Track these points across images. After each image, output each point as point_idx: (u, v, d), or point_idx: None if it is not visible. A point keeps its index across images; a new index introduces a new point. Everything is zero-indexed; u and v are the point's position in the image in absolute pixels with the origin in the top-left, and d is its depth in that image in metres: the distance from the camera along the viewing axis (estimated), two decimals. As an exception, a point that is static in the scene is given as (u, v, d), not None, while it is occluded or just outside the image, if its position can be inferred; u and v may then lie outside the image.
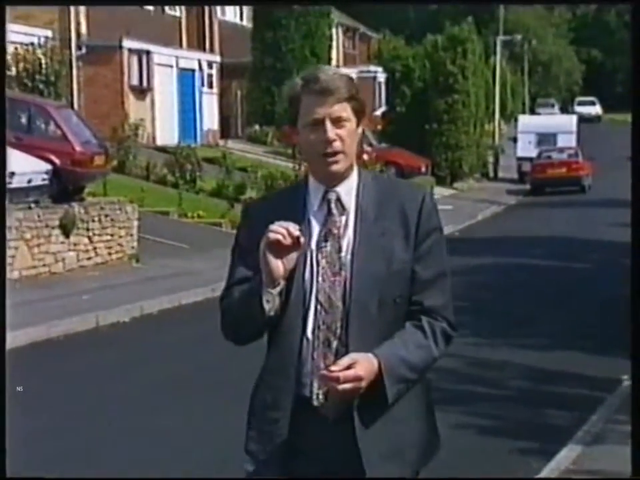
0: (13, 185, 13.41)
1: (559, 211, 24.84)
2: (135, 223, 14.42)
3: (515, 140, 36.09)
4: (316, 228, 2.42)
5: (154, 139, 25.59)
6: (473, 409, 6.80)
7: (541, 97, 63.96)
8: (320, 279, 2.38)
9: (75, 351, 9.07)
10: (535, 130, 34.20)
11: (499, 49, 39.26)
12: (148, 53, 26.07)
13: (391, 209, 2.43)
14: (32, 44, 19.88)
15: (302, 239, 2.32)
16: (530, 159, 31.70)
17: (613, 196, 23.17)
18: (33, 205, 12.95)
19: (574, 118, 36.91)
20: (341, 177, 2.42)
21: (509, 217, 24.81)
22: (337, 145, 2.38)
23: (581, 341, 9.00)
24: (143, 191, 17.26)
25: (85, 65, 24.11)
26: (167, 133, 26.48)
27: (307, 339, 2.38)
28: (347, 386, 2.27)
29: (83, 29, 24.85)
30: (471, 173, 32.63)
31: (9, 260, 12.06)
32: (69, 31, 23.93)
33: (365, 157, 23.85)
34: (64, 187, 14.92)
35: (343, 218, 2.43)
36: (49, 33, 22.40)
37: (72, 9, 24.02)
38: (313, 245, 2.41)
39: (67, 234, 13.01)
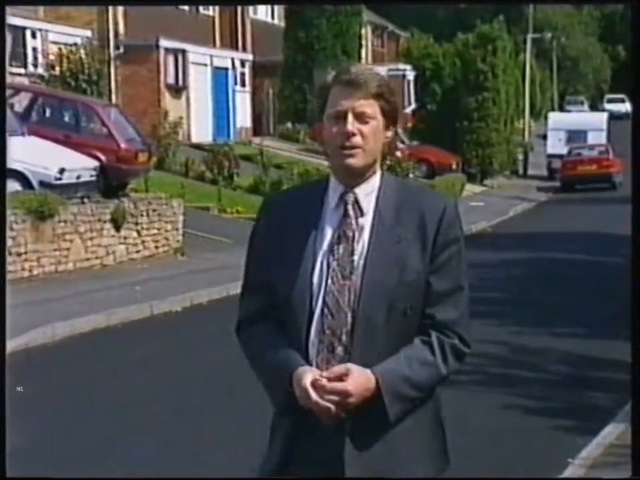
0: (63, 181, 13.93)
1: (589, 207, 25.06)
2: (181, 218, 14.90)
3: (544, 137, 36.27)
4: (330, 229, 2.34)
5: (189, 136, 26.07)
6: (518, 391, 7.17)
7: (570, 94, 63.95)
8: (329, 281, 2.31)
9: (133, 337, 9.53)
10: (565, 127, 34.39)
11: (529, 46, 39.42)
12: (184, 52, 26.53)
13: (409, 216, 2.34)
14: (75, 44, 20.39)
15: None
16: (560, 156, 31.90)
17: (644, 192, 23.29)
18: (86, 200, 13.44)
19: (604, 115, 37.03)
20: (359, 173, 2.34)
21: (540, 213, 25.07)
22: (356, 139, 2.30)
23: (619, 330, 9.31)
24: (183, 187, 17.71)
25: (123, 64, 24.57)
26: (201, 130, 26.95)
27: (312, 342, 2.31)
28: (333, 398, 2.22)
29: (121, 29, 25.35)
30: (501, 170, 32.88)
31: (63, 252, 12.57)
32: (107, 30, 24.43)
33: (399, 154, 24.22)
34: (109, 183, 15.43)
35: (360, 221, 2.34)
36: (89, 33, 22.91)
37: (110, 8, 24.53)
38: (325, 246, 2.33)
39: (117, 228, 13.51)
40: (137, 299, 10.86)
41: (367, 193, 2.35)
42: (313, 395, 2.23)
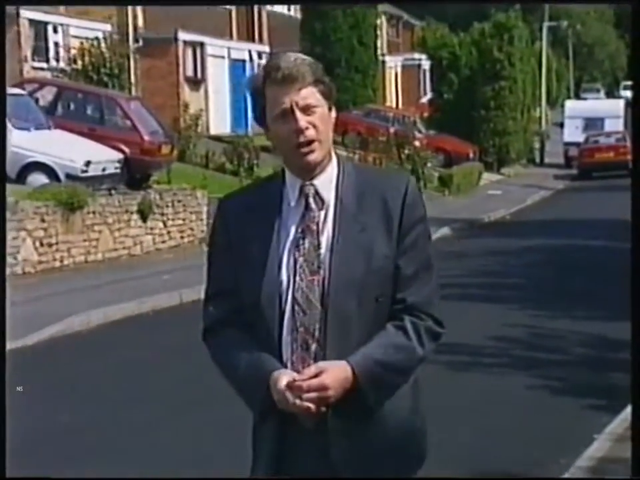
0: (89, 173, 14.24)
1: (607, 194, 25.12)
2: (205, 209, 15.17)
3: (561, 125, 36.29)
4: (293, 224, 2.28)
5: (207, 128, 26.31)
6: (543, 373, 7.36)
7: (586, 81, 63.85)
8: (297, 278, 2.25)
9: (164, 324, 9.80)
10: (581, 115, 34.42)
11: (545, 35, 39.44)
12: (202, 44, 26.76)
13: (372, 202, 2.28)
14: (96, 38, 20.65)
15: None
16: (577, 144, 31.96)
17: (662, 179, 23.36)
18: (113, 192, 13.72)
19: (621, 102, 36.98)
20: (318, 167, 2.28)
21: (558, 201, 25.20)
22: (310, 133, 2.23)
23: (640, 313, 9.50)
24: (205, 179, 17.95)
25: (142, 58, 24.79)
26: (219, 122, 27.20)
27: (285, 342, 2.26)
28: (312, 395, 2.18)
29: (140, 23, 25.59)
30: (517, 158, 32.97)
31: (93, 243, 12.87)
32: (127, 24, 24.66)
33: (417, 143, 24.40)
34: (133, 175, 15.72)
35: (322, 213, 2.28)
36: (109, 27, 23.18)
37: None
38: (290, 243, 2.27)
39: (144, 219, 13.80)
40: (166, 287, 11.13)
41: (326, 183, 2.29)
42: (290, 398, 2.18)
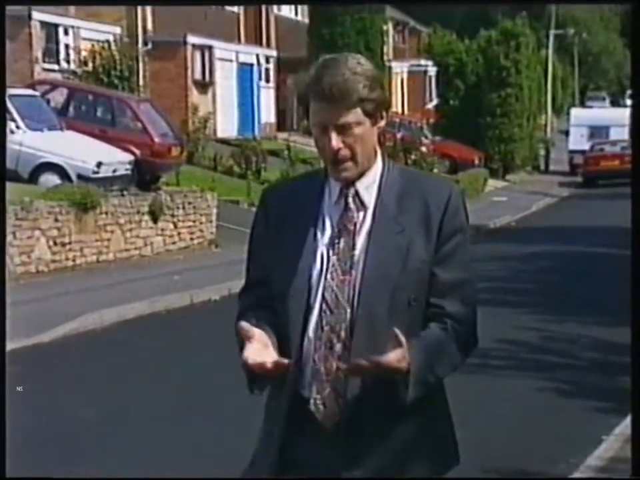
0: (101, 174, 14.39)
1: (612, 202, 25.19)
2: (214, 211, 15.30)
3: (566, 133, 36.39)
4: (331, 223, 2.25)
5: (215, 131, 26.46)
6: (551, 375, 7.47)
7: (591, 90, 64.00)
8: (329, 276, 2.21)
9: (176, 323, 9.91)
10: (587, 123, 34.54)
11: (551, 43, 39.62)
12: (210, 48, 26.91)
13: (413, 205, 2.23)
14: (107, 41, 20.81)
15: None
16: (582, 152, 32.08)
17: (667, 188, 23.45)
18: (125, 193, 13.86)
19: (626, 111, 37.06)
20: (355, 178, 2.25)
21: (563, 208, 25.32)
22: (344, 153, 2.20)
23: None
24: (213, 181, 18.09)
25: (151, 60, 24.93)
26: (227, 125, 27.35)
27: (309, 338, 2.23)
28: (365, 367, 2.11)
29: (149, 25, 25.74)
30: (522, 165, 33.10)
31: (104, 243, 13.01)
32: (136, 27, 24.81)
33: (424, 149, 24.57)
34: (143, 176, 15.88)
35: (361, 214, 2.25)
36: (118, 30, 23.33)
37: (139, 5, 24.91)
38: (326, 241, 2.24)
39: (155, 220, 13.94)
40: (177, 287, 11.26)
41: (368, 185, 2.26)
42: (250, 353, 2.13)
